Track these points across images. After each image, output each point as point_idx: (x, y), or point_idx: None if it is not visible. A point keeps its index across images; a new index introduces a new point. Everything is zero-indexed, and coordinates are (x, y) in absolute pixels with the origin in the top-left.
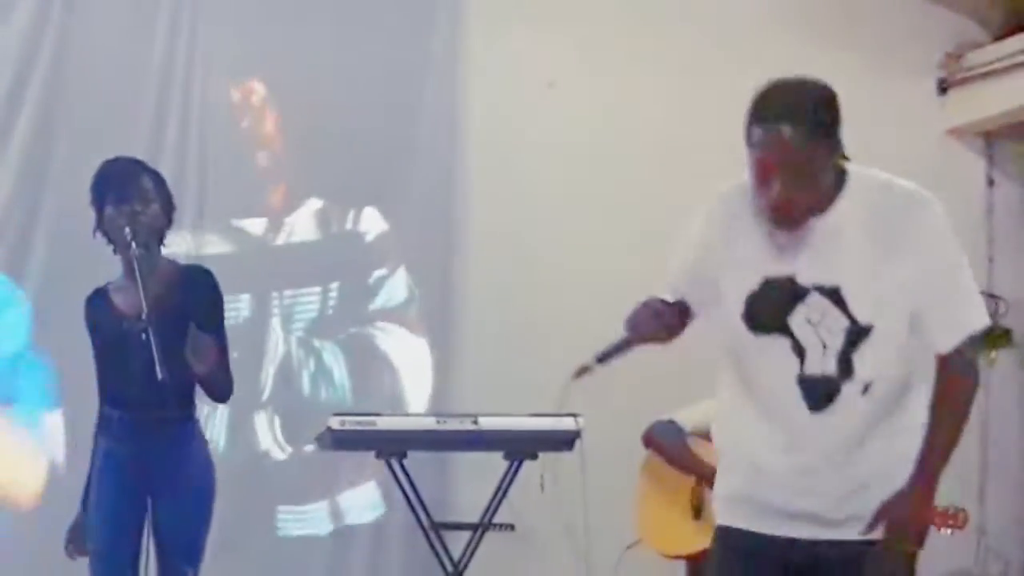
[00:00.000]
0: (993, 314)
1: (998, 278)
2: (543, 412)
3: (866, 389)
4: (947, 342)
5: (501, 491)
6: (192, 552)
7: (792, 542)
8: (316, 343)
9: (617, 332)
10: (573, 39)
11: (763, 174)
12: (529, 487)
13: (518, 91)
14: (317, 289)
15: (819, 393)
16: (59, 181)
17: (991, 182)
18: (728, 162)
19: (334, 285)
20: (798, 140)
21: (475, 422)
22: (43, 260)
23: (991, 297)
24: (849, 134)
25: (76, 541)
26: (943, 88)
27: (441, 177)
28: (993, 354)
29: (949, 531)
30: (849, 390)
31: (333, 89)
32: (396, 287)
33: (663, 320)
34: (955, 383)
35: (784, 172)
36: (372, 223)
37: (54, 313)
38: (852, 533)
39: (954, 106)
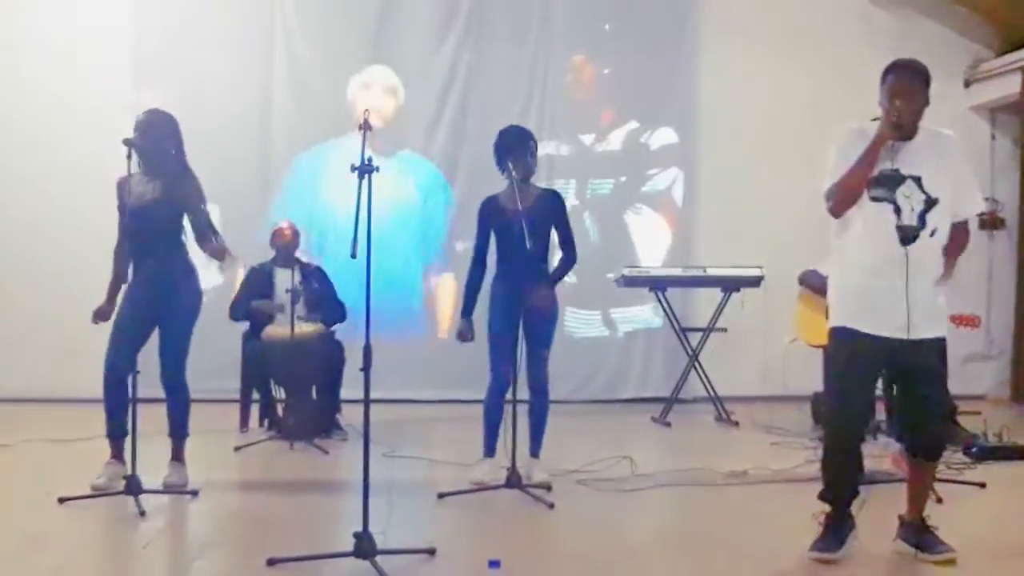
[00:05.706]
0: (994, 209)
1: (998, 189)
2: (744, 264)
3: (932, 234)
4: (963, 215)
5: (719, 309)
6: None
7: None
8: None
9: None
10: (776, 51)
11: (896, 97)
12: (734, 307)
13: (738, 88)
14: (612, 180)
15: (907, 235)
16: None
17: (993, 136)
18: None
19: (623, 177)
20: (918, 84)
21: (704, 270)
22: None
23: (994, 200)
24: None
25: None
26: (967, 83)
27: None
28: (995, 232)
29: (970, 329)
30: (923, 234)
31: (621, 78)
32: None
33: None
34: (962, 236)
35: (907, 98)
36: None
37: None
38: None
39: (973, 94)
